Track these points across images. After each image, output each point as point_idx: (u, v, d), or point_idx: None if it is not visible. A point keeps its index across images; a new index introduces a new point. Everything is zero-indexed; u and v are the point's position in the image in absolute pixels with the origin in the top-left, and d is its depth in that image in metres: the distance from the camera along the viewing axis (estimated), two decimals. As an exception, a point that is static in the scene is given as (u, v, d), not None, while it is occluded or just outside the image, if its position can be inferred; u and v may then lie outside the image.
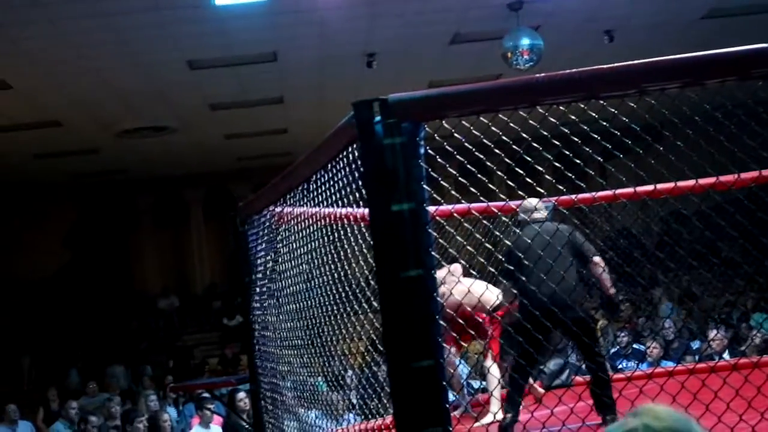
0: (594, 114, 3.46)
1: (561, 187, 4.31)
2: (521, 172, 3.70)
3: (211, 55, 12.64)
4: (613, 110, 3.43)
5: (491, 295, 6.07)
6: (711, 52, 2.88)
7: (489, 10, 11.90)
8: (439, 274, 5.69)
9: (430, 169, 3.10)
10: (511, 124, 3.41)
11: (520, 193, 4.28)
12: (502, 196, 4.01)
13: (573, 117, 3.42)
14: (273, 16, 11.42)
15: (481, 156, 3.60)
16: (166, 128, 16.32)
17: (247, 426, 8.23)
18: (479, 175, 3.66)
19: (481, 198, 3.98)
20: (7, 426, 11.92)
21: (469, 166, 3.57)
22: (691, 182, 4.67)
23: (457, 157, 3.60)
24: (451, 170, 3.66)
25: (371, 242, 3.06)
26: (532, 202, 6.01)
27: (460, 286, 5.72)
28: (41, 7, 10.21)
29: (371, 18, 11.80)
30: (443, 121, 3.26)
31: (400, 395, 2.80)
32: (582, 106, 3.27)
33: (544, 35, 11.71)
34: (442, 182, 3.37)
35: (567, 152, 3.72)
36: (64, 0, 10.15)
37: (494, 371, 6.63)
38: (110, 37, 11.42)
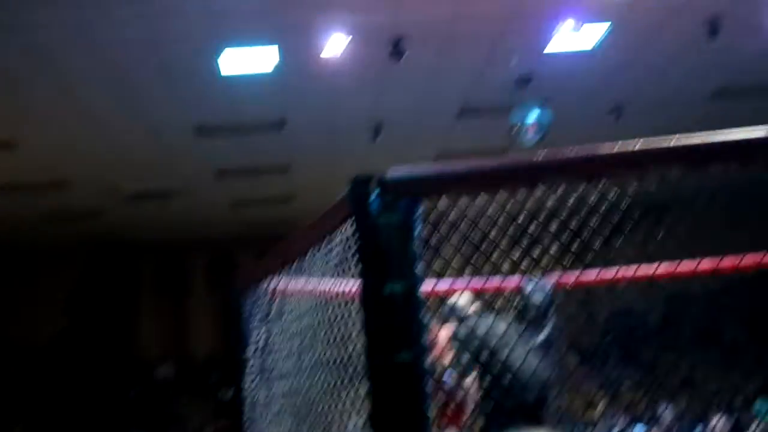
0: (599, 191, 3.39)
1: (564, 265, 4.22)
2: (522, 248, 3.62)
3: (218, 122, 12.66)
4: (616, 189, 3.36)
5: None
6: (716, 139, 2.80)
7: (497, 84, 11.92)
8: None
9: (426, 247, 3.02)
10: (513, 201, 3.34)
11: (521, 269, 4.19)
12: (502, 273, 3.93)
13: (576, 194, 3.35)
14: (281, 85, 11.45)
15: (481, 233, 3.52)
16: (172, 193, 16.31)
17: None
18: (479, 253, 3.58)
19: (480, 275, 3.90)
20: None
21: (468, 242, 3.48)
22: (694, 263, 4.57)
23: (455, 234, 3.52)
24: (448, 248, 3.58)
25: (363, 322, 2.97)
26: (463, 301, 5.94)
27: None
28: (52, 66, 10.24)
29: (379, 88, 11.83)
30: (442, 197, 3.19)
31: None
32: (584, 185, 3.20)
33: (552, 110, 11.69)
34: (440, 260, 3.29)
35: (570, 229, 3.64)
36: (75, 61, 10.20)
37: None
38: (120, 100, 11.46)
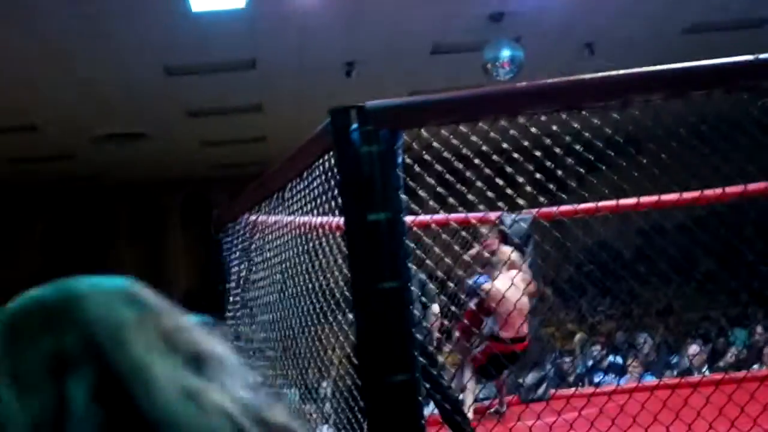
0: (576, 125, 3.40)
1: (541, 199, 4.24)
2: (501, 183, 3.63)
3: (188, 62, 12.52)
4: (595, 121, 3.36)
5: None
6: (695, 63, 2.82)
7: (470, 21, 11.84)
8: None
9: (408, 179, 3.03)
10: (492, 134, 3.34)
11: (499, 204, 4.20)
12: (481, 207, 3.94)
13: (555, 128, 3.36)
14: (252, 23, 11.32)
15: (461, 166, 3.53)
16: (143, 135, 16.17)
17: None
18: (459, 186, 3.59)
19: (460, 208, 3.91)
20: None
21: (448, 176, 3.50)
22: (674, 196, 4.61)
23: (436, 167, 3.53)
24: (429, 180, 3.58)
25: (347, 252, 2.98)
26: None
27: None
28: (18, 9, 10.08)
29: (351, 26, 11.73)
30: (422, 130, 3.19)
31: (373, 410, 2.72)
32: (564, 116, 3.21)
33: (525, 47, 11.66)
34: (420, 192, 3.29)
35: (548, 163, 3.65)
36: (42, 3, 10.04)
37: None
38: (88, 41, 11.30)
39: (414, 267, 5.62)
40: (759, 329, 12.16)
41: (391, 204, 2.90)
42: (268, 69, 13.14)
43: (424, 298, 5.66)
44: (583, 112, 3.18)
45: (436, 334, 6.37)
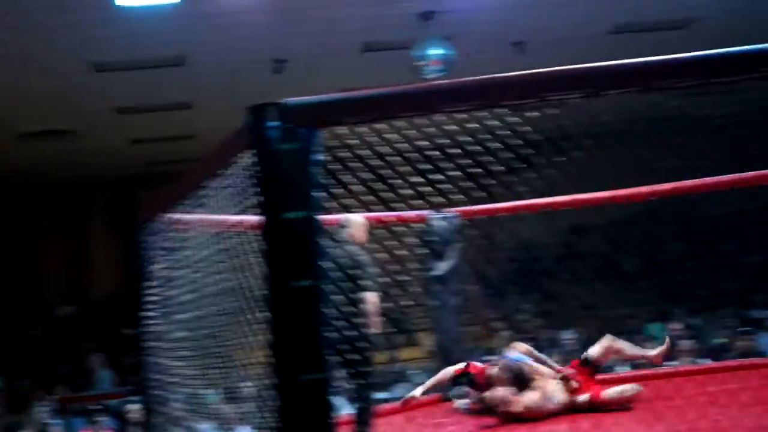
0: (498, 122, 3.41)
1: (463, 197, 4.26)
2: (421, 180, 3.63)
3: (117, 58, 12.37)
4: (515, 119, 3.38)
5: None
6: (610, 63, 2.84)
7: (400, 19, 11.87)
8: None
9: (327, 177, 3.01)
10: (410, 132, 3.33)
11: (418, 202, 4.21)
12: (401, 204, 3.94)
13: (475, 125, 3.37)
14: (181, 20, 11.23)
15: (381, 163, 3.52)
16: (71, 131, 15.94)
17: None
18: (378, 183, 3.59)
19: (373, 208, 3.90)
20: None
21: (366, 174, 3.49)
22: (590, 195, 4.65)
23: (355, 165, 3.52)
24: (350, 178, 3.57)
25: (263, 250, 2.96)
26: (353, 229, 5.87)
27: None
28: (-62, 3, 9.89)
29: (281, 24, 11.69)
30: (345, 129, 3.18)
31: (285, 409, 2.70)
32: (486, 114, 3.22)
33: (455, 46, 11.70)
34: (337, 190, 3.28)
35: (470, 162, 3.66)
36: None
37: None
38: (11, 35, 11.10)
39: (356, 247, 5.51)
40: (675, 325, 12.30)
41: (307, 203, 2.89)
42: (197, 66, 13.05)
43: (367, 281, 5.32)
44: (505, 112, 3.18)
45: (375, 328, 5.87)
